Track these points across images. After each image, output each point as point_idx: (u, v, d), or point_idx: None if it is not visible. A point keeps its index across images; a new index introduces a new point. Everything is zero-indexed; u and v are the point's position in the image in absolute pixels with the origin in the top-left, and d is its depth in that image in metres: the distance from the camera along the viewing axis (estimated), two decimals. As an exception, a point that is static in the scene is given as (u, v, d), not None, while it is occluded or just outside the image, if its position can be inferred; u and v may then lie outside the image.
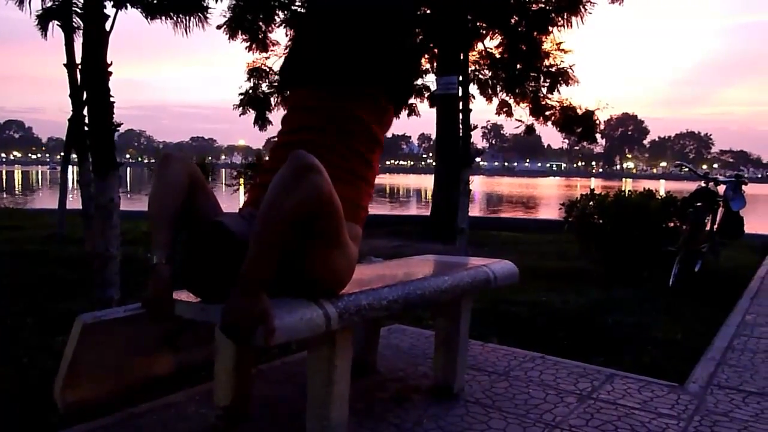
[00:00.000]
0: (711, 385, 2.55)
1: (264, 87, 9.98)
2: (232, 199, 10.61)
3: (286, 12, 9.30)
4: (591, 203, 5.70)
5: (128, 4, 4.24)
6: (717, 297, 4.46)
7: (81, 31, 4.24)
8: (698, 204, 5.11)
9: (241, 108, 9.93)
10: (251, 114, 9.95)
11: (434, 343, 2.38)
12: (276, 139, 1.94)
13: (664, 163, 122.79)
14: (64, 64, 5.13)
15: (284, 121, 1.92)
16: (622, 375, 2.64)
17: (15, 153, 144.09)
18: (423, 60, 10.25)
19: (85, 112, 4.12)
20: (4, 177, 55.36)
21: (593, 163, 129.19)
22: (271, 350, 2.47)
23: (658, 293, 4.55)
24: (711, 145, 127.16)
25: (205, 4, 4.93)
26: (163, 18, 4.73)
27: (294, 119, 1.87)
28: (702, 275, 5.21)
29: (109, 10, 4.01)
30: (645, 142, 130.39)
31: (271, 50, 9.75)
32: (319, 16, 1.90)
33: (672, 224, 5.34)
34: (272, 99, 9.96)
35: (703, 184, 5.39)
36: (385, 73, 1.86)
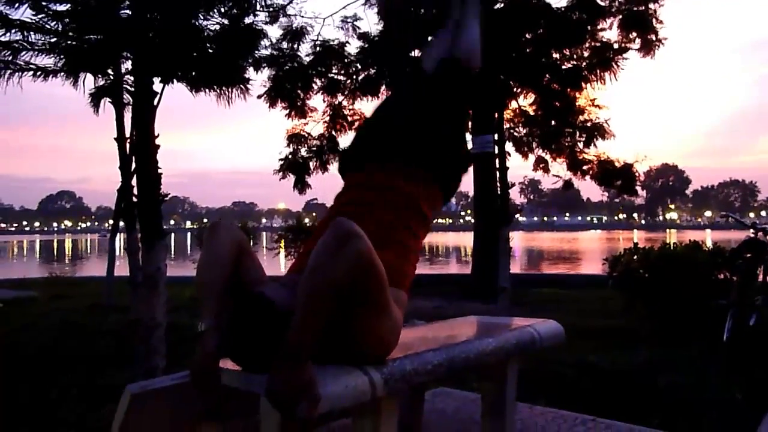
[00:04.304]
0: (777, 449, 2.41)
1: (303, 152, 10.22)
2: (273, 263, 10.71)
3: (323, 79, 9.61)
4: (635, 257, 5.59)
5: (175, 80, 4.45)
6: (776, 353, 4.25)
7: (130, 107, 4.45)
8: (748, 255, 4.96)
9: (281, 173, 10.17)
10: (291, 178, 10.18)
11: (481, 407, 2.33)
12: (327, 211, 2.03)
13: (708, 213, 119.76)
14: (115, 138, 5.37)
15: (338, 198, 2.01)
16: (680, 439, 2.52)
17: (66, 222, 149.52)
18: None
19: (133, 182, 4.29)
20: (55, 246, 57.29)
21: (635, 214, 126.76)
22: (314, 418, 2.45)
23: (712, 350, 4.38)
24: (757, 193, 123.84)
25: (246, 76, 5.13)
26: (207, 90, 4.93)
27: (347, 195, 1.98)
28: (758, 329, 4.99)
29: (157, 86, 4.24)
30: (687, 192, 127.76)
31: (309, 116, 10.05)
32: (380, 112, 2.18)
33: (722, 276, 5.18)
34: (311, 163, 10.18)
35: (752, 234, 5.24)
36: (435, 157, 1.99)
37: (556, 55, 8.94)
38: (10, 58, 4.10)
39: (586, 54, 8.90)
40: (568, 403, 3.06)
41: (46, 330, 5.42)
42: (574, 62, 8.93)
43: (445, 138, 2.07)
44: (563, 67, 8.91)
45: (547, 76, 8.97)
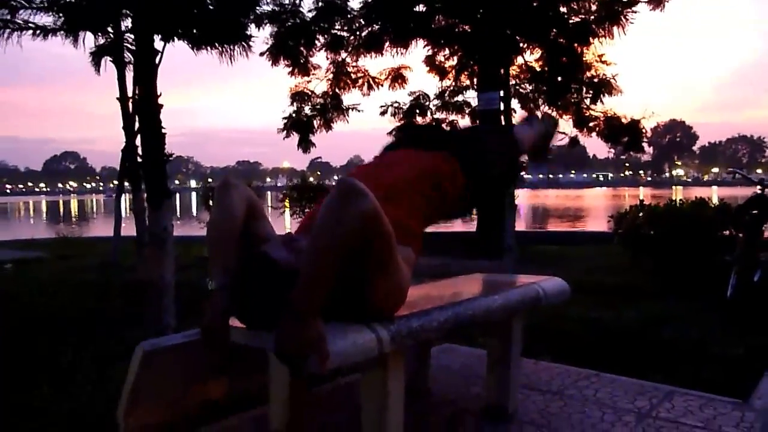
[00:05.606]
0: (778, 402, 2.45)
1: (307, 110, 10.12)
2: (278, 222, 10.71)
3: (326, 36, 9.44)
4: (641, 214, 5.58)
5: (176, 38, 4.38)
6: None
7: (132, 66, 4.40)
8: (754, 211, 4.94)
9: (284, 131, 10.08)
10: (295, 137, 10.10)
11: (486, 363, 2.36)
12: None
13: (716, 169, 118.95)
14: (117, 98, 5.34)
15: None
16: (682, 392, 2.56)
17: (71, 183, 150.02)
18: (463, 77, 10.26)
19: (137, 142, 4.28)
20: (61, 207, 57.56)
21: (641, 171, 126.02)
22: (324, 374, 2.50)
23: (716, 306, 4.41)
24: (765, 148, 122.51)
25: (248, 33, 5.04)
26: (209, 48, 4.86)
27: (378, 157, 2.13)
28: (762, 286, 5.01)
29: (158, 44, 4.18)
30: (695, 148, 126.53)
31: (313, 74, 9.89)
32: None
33: (727, 233, 5.18)
34: (315, 121, 10.09)
35: (758, 190, 5.22)
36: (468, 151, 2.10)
37: (563, 9, 8.75)
38: (8, 16, 4.04)
39: (593, 7, 8.70)
40: (573, 359, 3.11)
41: (54, 292, 5.47)
42: (582, 16, 8.73)
43: (483, 147, 2.17)
44: (570, 21, 8.72)
45: (554, 30, 8.79)
